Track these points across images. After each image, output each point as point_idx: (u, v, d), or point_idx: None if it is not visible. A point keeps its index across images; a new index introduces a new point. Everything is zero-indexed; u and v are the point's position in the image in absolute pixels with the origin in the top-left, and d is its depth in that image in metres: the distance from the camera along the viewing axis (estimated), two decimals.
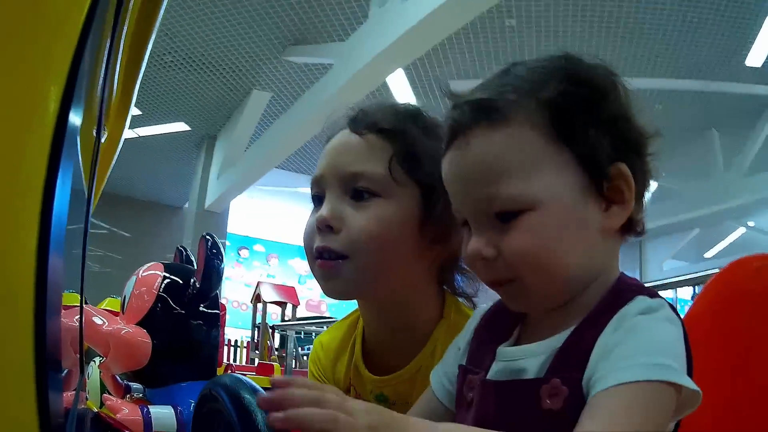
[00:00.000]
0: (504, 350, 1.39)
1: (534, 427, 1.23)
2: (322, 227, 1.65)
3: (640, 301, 1.22)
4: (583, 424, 1.08)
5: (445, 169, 1.36)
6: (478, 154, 1.28)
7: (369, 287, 1.66)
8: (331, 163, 1.71)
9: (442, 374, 1.57)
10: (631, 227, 1.37)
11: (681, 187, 19.77)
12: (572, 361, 1.21)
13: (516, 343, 1.41)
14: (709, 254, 28.74)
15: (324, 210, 1.61)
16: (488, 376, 1.37)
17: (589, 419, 1.08)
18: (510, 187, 1.24)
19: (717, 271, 1.86)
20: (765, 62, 13.95)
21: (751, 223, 26.03)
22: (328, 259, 1.64)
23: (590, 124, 1.27)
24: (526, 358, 1.31)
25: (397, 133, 1.70)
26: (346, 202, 1.57)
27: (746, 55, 13.71)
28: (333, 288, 1.70)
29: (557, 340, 1.27)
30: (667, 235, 27.09)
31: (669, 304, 1.24)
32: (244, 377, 1.24)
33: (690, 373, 1.17)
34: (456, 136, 1.32)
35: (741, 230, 26.56)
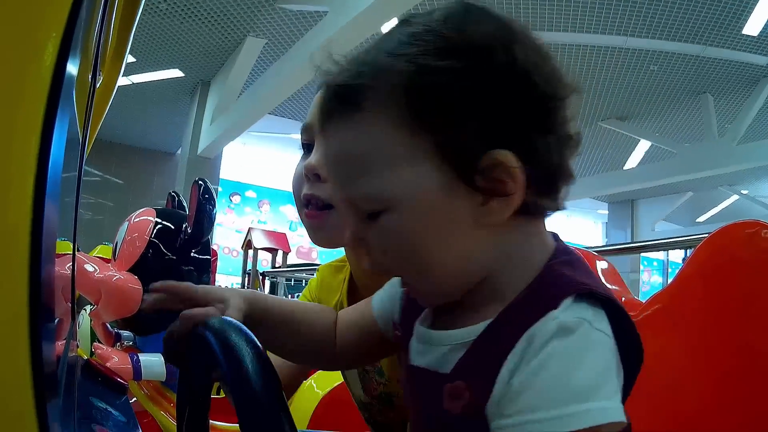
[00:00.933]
0: (419, 329, 1.31)
1: (433, 422, 1.20)
2: (310, 175, 1.61)
3: (552, 324, 1.05)
4: None
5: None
6: (334, 148, 1.17)
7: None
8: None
9: (387, 302, 1.49)
10: (534, 211, 1.18)
11: (674, 148, 19.80)
12: (481, 363, 1.11)
13: (433, 318, 1.30)
14: (701, 219, 28.83)
15: (312, 158, 1.56)
16: (410, 354, 1.31)
17: None
18: (365, 187, 1.13)
19: (708, 235, 1.86)
20: (762, 31, 13.95)
21: (744, 191, 26.15)
22: (315, 208, 1.61)
23: (455, 106, 1.07)
24: (436, 345, 1.23)
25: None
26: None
27: (744, 23, 13.69)
28: (319, 238, 1.67)
29: (470, 333, 1.16)
30: (659, 196, 27.16)
31: (605, 301, 1.10)
32: (232, 320, 1.23)
33: (633, 370, 1.13)
34: (323, 122, 1.19)
35: (734, 197, 26.71)
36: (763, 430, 1.59)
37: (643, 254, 26.80)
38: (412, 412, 1.31)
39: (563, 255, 1.20)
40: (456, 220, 1.12)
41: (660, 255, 30.64)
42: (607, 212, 31.23)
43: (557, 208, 1.20)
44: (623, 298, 2.04)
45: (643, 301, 1.97)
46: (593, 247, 4.30)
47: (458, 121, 1.07)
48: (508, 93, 1.09)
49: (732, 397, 1.64)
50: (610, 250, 4.76)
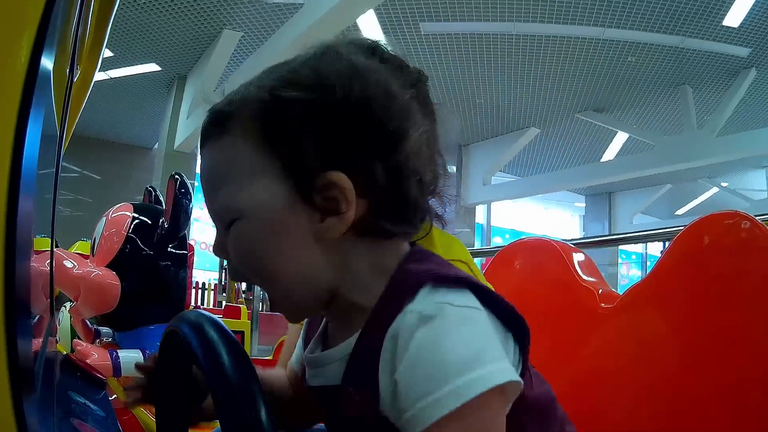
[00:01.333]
0: (308, 357, 1.41)
1: (341, 429, 1.32)
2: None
3: (410, 317, 1.13)
4: None
5: None
6: (204, 165, 1.29)
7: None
8: None
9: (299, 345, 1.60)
10: (369, 232, 1.25)
11: (653, 140, 19.89)
12: (360, 372, 1.22)
13: (323, 339, 1.42)
14: (680, 211, 28.99)
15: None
16: (306, 380, 1.41)
17: None
18: (222, 198, 1.26)
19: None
20: (742, 22, 14.03)
21: (724, 184, 26.31)
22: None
23: (297, 132, 1.20)
24: (325, 364, 1.32)
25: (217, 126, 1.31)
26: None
27: (724, 14, 13.77)
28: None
29: (348, 346, 1.26)
30: (637, 188, 27.28)
31: (466, 284, 1.18)
32: (208, 313, 1.24)
33: (523, 340, 1.22)
34: (201, 144, 1.32)
35: (714, 190, 26.89)
36: (746, 413, 1.59)
37: (621, 247, 26.98)
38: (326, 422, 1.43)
39: (413, 255, 1.31)
40: (296, 232, 1.23)
41: (638, 248, 30.82)
42: (584, 205, 31.35)
43: (411, 232, 1.32)
44: (600, 291, 2.05)
45: (622, 294, 1.98)
46: (570, 240, 4.30)
47: (299, 144, 1.20)
48: (344, 123, 1.20)
49: (713, 384, 1.64)
50: (587, 242, 4.76)
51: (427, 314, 1.11)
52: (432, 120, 1.33)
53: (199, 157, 1.52)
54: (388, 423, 1.15)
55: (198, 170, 20.97)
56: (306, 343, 1.49)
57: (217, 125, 1.26)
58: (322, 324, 1.45)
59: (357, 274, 1.27)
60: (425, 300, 1.15)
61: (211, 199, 1.28)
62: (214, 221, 1.32)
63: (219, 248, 1.30)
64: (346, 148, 1.20)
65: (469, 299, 1.16)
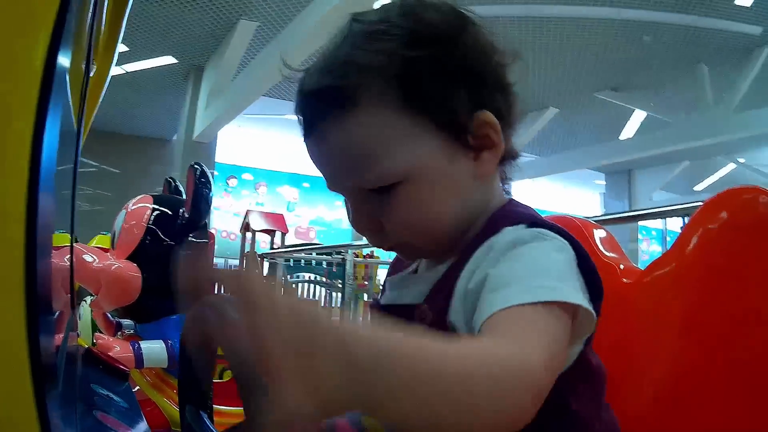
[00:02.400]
0: (394, 279, 1.51)
1: None
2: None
3: (509, 232, 1.23)
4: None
5: (310, 156, 1.35)
6: (337, 146, 1.27)
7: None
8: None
9: None
10: (506, 157, 1.38)
11: (670, 118, 19.80)
12: (440, 291, 1.28)
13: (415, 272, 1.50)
14: (699, 187, 28.82)
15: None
16: (381, 301, 1.49)
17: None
18: (375, 169, 1.25)
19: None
20: (755, 1, 13.93)
21: (741, 160, 26.15)
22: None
23: (442, 86, 1.24)
24: (409, 287, 1.40)
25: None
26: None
27: None
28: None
29: (437, 273, 1.33)
30: (656, 165, 27.14)
31: (560, 232, 1.24)
32: (231, 297, 1.24)
33: (596, 300, 1.19)
34: (310, 127, 1.31)
35: (731, 166, 26.71)
36: (765, 390, 1.59)
37: (641, 223, 26.80)
38: None
39: (514, 200, 1.44)
40: (458, 175, 1.29)
41: (658, 224, 30.69)
42: (604, 183, 31.23)
43: (516, 156, 1.44)
44: (621, 266, 2.04)
45: (643, 269, 1.97)
46: (591, 217, 4.28)
47: (446, 98, 1.24)
48: (475, 65, 1.28)
49: (732, 360, 1.64)
50: (608, 219, 4.75)
51: (524, 236, 1.20)
52: None
53: (311, 141, 1.38)
54: (445, 332, 1.19)
55: (218, 159, 21.09)
56: (390, 275, 1.57)
57: (341, 98, 1.24)
58: (417, 262, 1.51)
59: (485, 205, 1.36)
60: (522, 228, 1.23)
61: (356, 174, 1.27)
62: (351, 196, 1.34)
63: (367, 220, 1.33)
64: (480, 87, 1.28)
65: (564, 243, 1.22)
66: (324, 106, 1.26)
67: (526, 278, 1.09)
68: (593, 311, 1.12)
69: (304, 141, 1.34)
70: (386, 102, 1.23)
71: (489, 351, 0.93)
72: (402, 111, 1.23)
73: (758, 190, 1.71)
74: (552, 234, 1.22)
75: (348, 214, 1.39)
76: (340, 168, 1.30)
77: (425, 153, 1.25)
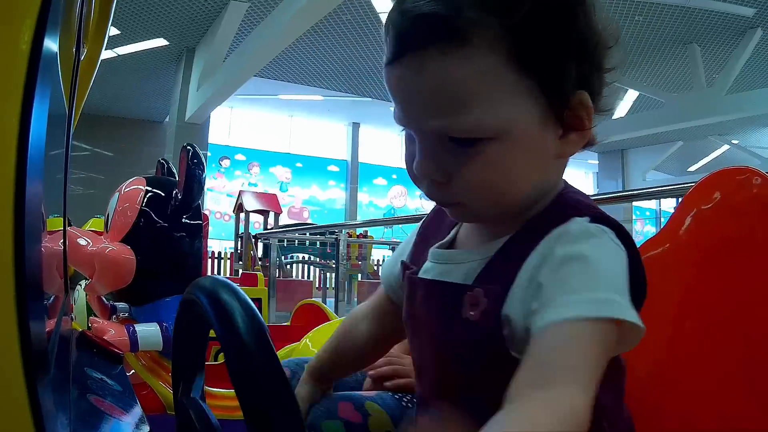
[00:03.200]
0: (436, 251, 1.42)
1: (452, 333, 1.27)
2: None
3: (577, 225, 1.20)
4: (525, 360, 1.06)
5: (392, 83, 1.24)
6: (433, 79, 1.16)
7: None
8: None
9: (390, 269, 1.64)
10: (588, 143, 1.34)
11: (662, 98, 19.86)
12: (497, 273, 1.23)
13: (451, 245, 1.44)
14: (692, 168, 28.94)
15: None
16: (420, 275, 1.41)
17: (530, 355, 1.06)
18: (468, 117, 1.16)
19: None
20: None
21: (734, 141, 26.25)
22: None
23: (557, 51, 1.18)
24: (457, 263, 1.34)
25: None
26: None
27: None
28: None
29: (489, 250, 1.28)
30: (649, 145, 27.22)
31: (617, 227, 1.24)
32: (223, 278, 1.23)
33: (638, 302, 1.20)
34: (406, 51, 1.18)
35: (725, 147, 26.87)
36: (758, 371, 1.59)
37: (635, 204, 26.90)
38: (420, 329, 1.40)
39: (572, 187, 1.38)
40: (545, 150, 1.25)
41: (652, 204, 30.76)
42: (597, 162, 31.31)
43: (594, 142, 1.37)
44: None
45: None
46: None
47: (559, 64, 1.19)
48: (588, 40, 1.24)
49: (725, 340, 1.64)
50: (602, 198, 4.73)
51: (591, 231, 1.19)
52: None
53: (401, 68, 1.27)
54: (498, 331, 1.19)
55: (210, 140, 21.12)
56: (422, 240, 1.53)
57: (452, 32, 1.14)
58: (456, 227, 1.46)
59: (554, 184, 1.34)
60: (588, 223, 1.21)
61: (443, 116, 1.18)
62: (426, 138, 1.24)
63: (437, 168, 1.24)
64: (586, 65, 1.24)
65: (620, 246, 1.21)
66: (429, 33, 1.15)
67: (587, 288, 1.09)
68: (642, 326, 1.11)
69: (388, 65, 1.23)
70: (498, 49, 1.15)
71: (552, 416, 0.96)
72: (511, 64, 1.16)
73: (751, 171, 1.71)
74: (612, 233, 1.22)
75: (407, 156, 1.31)
76: (428, 105, 1.20)
77: (523, 114, 1.19)
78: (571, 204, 1.29)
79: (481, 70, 1.15)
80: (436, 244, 1.44)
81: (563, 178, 1.39)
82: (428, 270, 1.39)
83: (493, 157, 1.20)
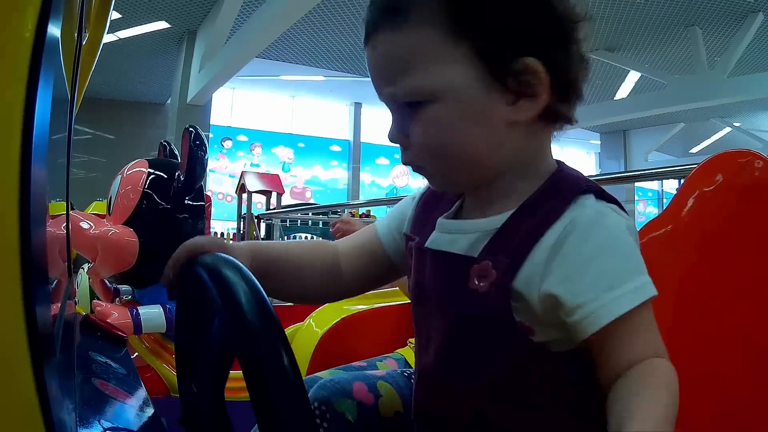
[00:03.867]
0: (444, 222, 1.46)
1: (458, 303, 1.31)
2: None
3: (590, 207, 1.26)
4: (605, 358, 1.20)
5: (366, 62, 1.39)
6: (382, 53, 1.33)
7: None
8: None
9: (393, 225, 1.68)
10: (556, 119, 1.36)
11: (664, 79, 19.84)
12: (506, 246, 1.28)
13: (456, 216, 1.48)
14: (694, 150, 28.91)
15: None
16: (426, 244, 1.44)
17: (609, 351, 1.19)
18: (410, 81, 1.28)
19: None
20: None
21: (736, 123, 26.22)
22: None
23: (488, 16, 1.24)
24: (464, 233, 1.37)
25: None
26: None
27: None
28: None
29: (495, 222, 1.33)
30: (650, 126, 27.17)
31: (615, 201, 1.32)
32: (224, 255, 1.23)
33: None
34: (368, 35, 1.35)
35: (727, 129, 26.84)
36: (760, 351, 1.60)
37: (637, 184, 26.86)
38: (428, 298, 1.42)
39: (564, 164, 1.44)
40: (490, 113, 1.28)
41: (654, 185, 30.72)
42: (599, 142, 31.28)
43: (569, 120, 1.38)
44: None
45: (638, 230, 1.98)
46: (588, 176, 4.26)
47: (494, 30, 1.24)
48: (534, 9, 1.26)
49: (726, 320, 1.65)
50: (604, 179, 4.72)
51: (603, 212, 1.26)
52: None
53: (367, 50, 1.44)
54: (506, 303, 1.24)
55: (212, 122, 21.12)
56: (423, 211, 1.58)
57: (395, 12, 1.28)
58: (460, 199, 1.50)
59: (529, 159, 1.37)
60: (596, 202, 1.28)
61: (392, 83, 1.31)
62: (390, 106, 1.38)
63: (398, 131, 1.36)
64: (535, 33, 1.26)
65: (631, 222, 1.30)
66: (379, 17, 1.32)
67: (628, 277, 1.19)
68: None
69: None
70: (434, 21, 1.25)
71: (664, 379, 1.15)
72: (448, 33, 1.25)
73: (753, 154, 1.72)
74: (621, 211, 1.31)
75: None
76: (382, 76, 1.34)
77: (460, 78, 1.26)
78: (572, 180, 1.35)
79: (419, 40, 1.26)
80: (444, 215, 1.48)
81: (556, 158, 1.44)
82: (435, 240, 1.44)
83: (434, 117, 1.28)
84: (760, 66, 19.53)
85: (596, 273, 1.18)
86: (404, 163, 1.41)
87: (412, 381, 1.74)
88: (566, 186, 1.32)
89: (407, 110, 1.32)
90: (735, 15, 16.85)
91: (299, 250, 1.66)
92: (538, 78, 1.25)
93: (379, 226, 1.71)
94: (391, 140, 1.38)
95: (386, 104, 1.39)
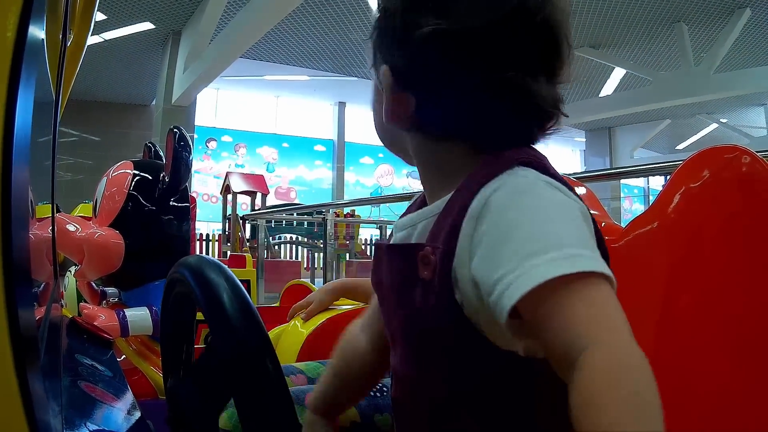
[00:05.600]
0: (401, 220, 1.41)
1: (411, 294, 1.22)
2: None
3: (524, 175, 1.14)
4: (549, 350, 0.97)
5: None
6: None
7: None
8: None
9: None
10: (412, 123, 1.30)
11: (650, 76, 19.89)
12: (441, 231, 1.18)
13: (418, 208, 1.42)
14: (681, 146, 28.98)
15: None
16: (392, 240, 1.41)
17: (546, 340, 0.96)
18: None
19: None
20: None
21: (723, 120, 26.26)
22: None
23: (375, 41, 1.34)
24: (415, 224, 1.32)
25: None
26: None
27: None
28: None
29: (436, 208, 1.26)
30: (637, 123, 27.22)
31: (565, 183, 1.18)
32: (208, 257, 1.23)
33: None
34: None
35: (713, 125, 26.89)
36: (749, 348, 1.60)
37: (623, 181, 26.93)
38: (386, 296, 1.38)
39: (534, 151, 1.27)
40: (378, 109, 1.37)
41: (640, 182, 30.82)
42: (584, 140, 31.33)
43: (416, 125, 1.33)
44: (603, 223, 2.04)
45: (624, 227, 1.98)
46: (573, 174, 4.27)
47: (373, 47, 1.34)
48: (385, 20, 1.29)
49: (712, 317, 1.65)
50: (589, 176, 4.73)
51: (541, 183, 1.12)
52: None
53: None
54: (449, 287, 1.13)
55: (197, 122, 21.14)
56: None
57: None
58: (420, 195, 1.44)
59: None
60: (535, 174, 1.14)
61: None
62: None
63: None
64: (383, 40, 1.31)
65: (561, 186, 1.15)
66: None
67: (558, 244, 0.98)
68: (612, 276, 0.98)
69: None
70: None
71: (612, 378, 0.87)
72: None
73: (740, 149, 1.71)
74: (569, 192, 1.15)
75: None
76: None
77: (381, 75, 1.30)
78: (501, 158, 1.19)
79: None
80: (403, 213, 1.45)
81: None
82: (395, 238, 1.40)
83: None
84: (747, 61, 19.60)
85: (519, 240, 1.01)
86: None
87: (371, 393, 1.83)
88: (506, 156, 1.19)
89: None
90: (722, 11, 16.89)
91: (343, 362, 1.67)
92: (385, 84, 1.31)
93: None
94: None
95: None
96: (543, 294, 0.94)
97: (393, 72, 1.25)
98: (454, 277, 1.13)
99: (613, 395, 0.84)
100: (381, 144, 1.42)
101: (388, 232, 1.57)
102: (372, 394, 1.95)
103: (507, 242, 1.02)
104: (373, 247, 1.37)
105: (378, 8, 1.30)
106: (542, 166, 1.18)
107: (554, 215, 1.05)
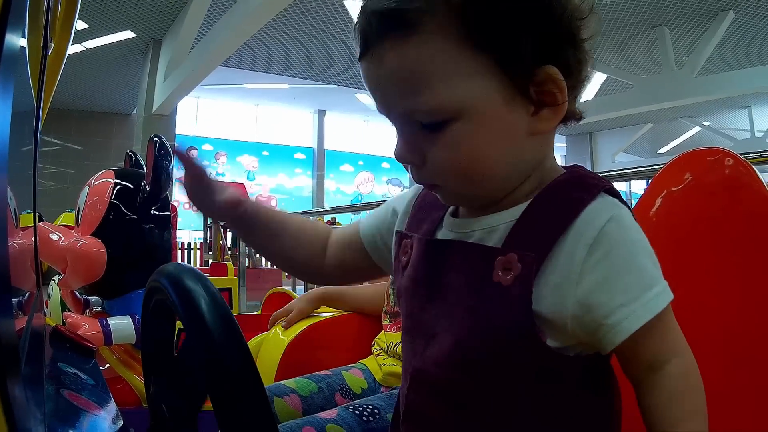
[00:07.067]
0: (451, 219, 1.41)
1: (481, 296, 1.25)
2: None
3: (605, 206, 1.23)
4: (635, 358, 1.24)
5: (363, 76, 1.30)
6: (391, 68, 1.22)
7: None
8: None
9: (375, 227, 1.65)
10: (567, 118, 1.35)
11: (631, 80, 19.94)
12: (526, 239, 1.23)
13: (453, 214, 1.43)
14: (663, 150, 29.04)
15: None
16: (438, 233, 1.41)
17: (643, 354, 1.22)
18: (428, 99, 1.20)
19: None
20: None
21: (706, 123, 26.32)
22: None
23: (510, 27, 1.18)
24: (477, 229, 1.32)
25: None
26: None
27: None
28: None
29: (510, 215, 1.28)
30: (618, 127, 27.29)
31: (620, 197, 1.29)
32: (187, 265, 1.23)
33: None
34: (368, 47, 1.25)
35: (696, 129, 26.96)
36: (734, 350, 1.60)
37: None
38: (439, 294, 1.36)
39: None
40: (514, 127, 1.25)
41: (622, 187, 30.91)
42: (565, 145, 31.40)
43: (578, 117, 1.39)
44: None
45: None
46: None
47: (513, 40, 1.18)
48: (550, 12, 1.21)
49: (697, 320, 1.65)
50: None
51: (617, 214, 1.22)
52: None
53: (366, 62, 1.35)
54: (527, 294, 1.19)
55: (177, 131, 21.07)
56: (419, 211, 1.52)
57: (402, 25, 1.19)
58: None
59: (543, 158, 1.34)
60: (612, 200, 1.27)
61: (407, 101, 1.23)
62: (398, 123, 1.30)
63: (410, 151, 1.28)
64: (551, 37, 1.22)
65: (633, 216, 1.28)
66: (383, 27, 1.21)
67: (651, 282, 1.20)
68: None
69: (359, 61, 1.29)
70: (448, 32, 1.18)
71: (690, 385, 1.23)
72: (464, 44, 1.18)
73: (723, 152, 1.71)
74: (625, 207, 1.28)
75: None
76: (390, 93, 1.26)
77: (482, 92, 1.20)
78: (592, 177, 1.33)
79: (432, 53, 1.19)
80: (449, 212, 1.44)
81: (551, 150, 1.40)
82: (446, 236, 1.39)
83: (457, 137, 1.22)
84: (729, 64, 19.66)
85: (636, 273, 1.19)
86: (417, 182, 1.37)
87: (364, 418, 1.87)
88: (589, 181, 1.29)
89: (421, 128, 1.25)
90: (704, 14, 16.94)
91: (295, 220, 1.71)
92: (559, 86, 1.23)
93: (362, 224, 1.68)
94: (401, 161, 1.31)
95: (394, 122, 1.31)
96: (651, 320, 1.18)
97: (562, 69, 1.24)
98: (536, 284, 1.20)
99: (691, 394, 1.22)
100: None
101: None
102: (365, 419, 1.95)
103: (626, 274, 1.18)
104: (425, 243, 1.27)
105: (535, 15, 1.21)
106: (618, 193, 1.30)
107: (649, 249, 1.23)
